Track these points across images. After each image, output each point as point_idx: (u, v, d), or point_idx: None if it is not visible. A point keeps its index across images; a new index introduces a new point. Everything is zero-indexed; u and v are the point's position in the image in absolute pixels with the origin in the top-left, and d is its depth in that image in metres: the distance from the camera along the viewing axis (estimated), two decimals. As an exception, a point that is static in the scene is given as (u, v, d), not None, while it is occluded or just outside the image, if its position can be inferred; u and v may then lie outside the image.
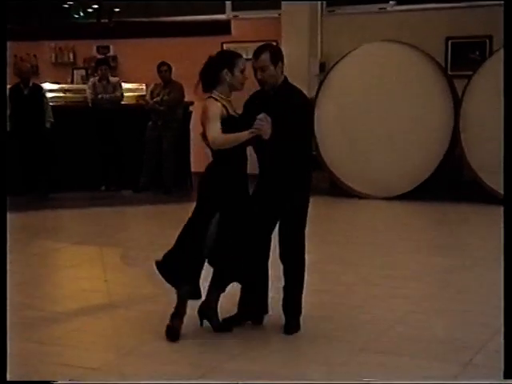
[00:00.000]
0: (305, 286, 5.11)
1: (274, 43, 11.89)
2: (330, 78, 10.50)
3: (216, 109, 4.48)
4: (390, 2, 11.44)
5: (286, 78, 4.72)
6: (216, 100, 4.52)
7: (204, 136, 4.50)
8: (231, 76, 4.53)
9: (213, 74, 4.53)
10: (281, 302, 4.72)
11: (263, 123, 4.32)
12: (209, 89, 4.55)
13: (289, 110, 4.47)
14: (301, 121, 4.52)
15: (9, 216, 9.39)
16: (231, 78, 4.53)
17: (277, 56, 4.64)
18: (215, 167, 4.57)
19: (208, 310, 4.65)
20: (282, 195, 4.58)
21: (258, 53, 4.61)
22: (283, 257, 4.68)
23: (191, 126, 11.10)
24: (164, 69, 10.74)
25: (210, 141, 4.44)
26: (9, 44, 13.14)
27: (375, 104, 10.13)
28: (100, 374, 4.04)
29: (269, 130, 4.33)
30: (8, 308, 5.18)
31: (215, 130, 4.41)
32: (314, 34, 11.59)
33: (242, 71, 4.57)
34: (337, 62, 10.48)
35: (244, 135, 4.37)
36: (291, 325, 4.64)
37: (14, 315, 5.07)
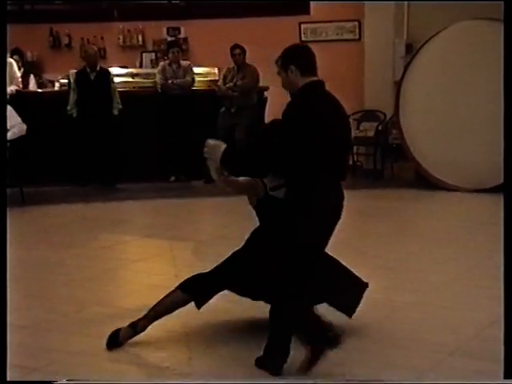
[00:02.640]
0: (388, 284, 5.09)
1: (356, 23, 12.02)
2: (416, 61, 10.39)
3: None
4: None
5: (310, 83, 4.27)
6: None
7: None
8: None
9: None
10: None
11: (208, 150, 4.18)
12: None
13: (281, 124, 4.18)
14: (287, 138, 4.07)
15: (75, 207, 9.67)
16: None
17: (288, 60, 4.34)
18: None
19: None
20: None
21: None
22: None
23: (266, 113, 11.13)
24: (237, 52, 10.79)
25: None
26: (75, 26, 13.45)
27: (466, 88, 9.97)
28: (170, 374, 4.11)
29: (213, 155, 4.15)
30: (76, 304, 5.35)
31: None
32: (400, 12, 11.46)
33: None
34: (424, 43, 10.36)
35: None
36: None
37: (81, 311, 5.22)
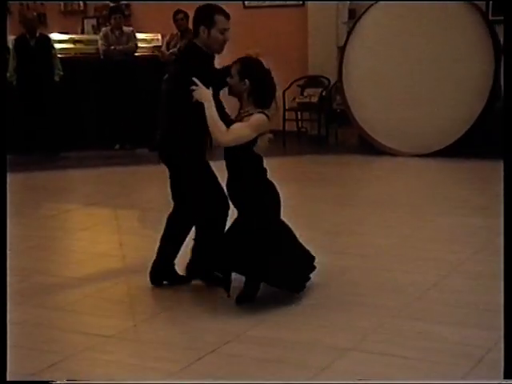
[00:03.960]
0: (334, 248, 5.12)
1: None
2: (359, 26, 10.40)
3: None
4: None
5: None
6: None
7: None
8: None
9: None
10: None
11: None
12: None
13: None
14: None
15: (17, 177, 9.54)
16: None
17: None
18: None
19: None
20: None
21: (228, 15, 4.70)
22: None
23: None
24: (180, 17, 10.67)
25: None
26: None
27: (409, 53, 10.03)
28: (116, 342, 4.10)
29: None
30: (19, 273, 5.29)
31: None
32: (342, -23, 11.45)
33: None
34: (367, 9, 10.37)
35: None
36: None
37: (25, 281, 5.17)
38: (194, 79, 4.44)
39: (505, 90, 3.49)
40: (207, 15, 4.62)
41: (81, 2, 13.35)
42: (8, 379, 3.31)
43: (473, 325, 4.22)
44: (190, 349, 3.99)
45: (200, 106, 4.41)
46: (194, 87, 4.42)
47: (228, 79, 4.57)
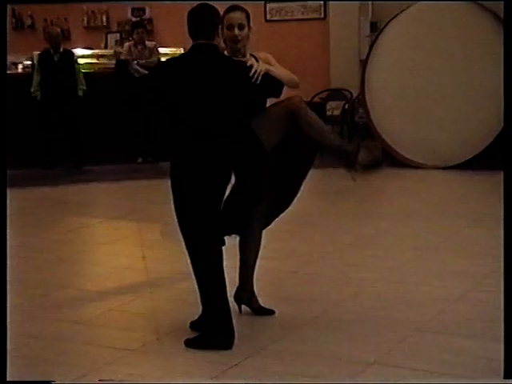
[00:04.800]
0: (358, 261, 5.07)
1: (321, 2, 11.99)
2: (381, 39, 10.39)
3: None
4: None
5: None
6: None
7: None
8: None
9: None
10: None
11: None
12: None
13: None
14: None
15: (41, 190, 9.59)
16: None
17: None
18: None
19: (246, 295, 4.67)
20: None
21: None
22: None
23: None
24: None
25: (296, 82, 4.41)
26: (38, 7, 13.28)
27: (431, 66, 10.00)
28: (139, 356, 4.09)
29: None
30: (42, 287, 5.31)
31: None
32: (364, -10, 11.46)
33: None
34: (389, 21, 10.36)
35: None
36: None
37: (48, 295, 5.18)
38: (250, 58, 4.24)
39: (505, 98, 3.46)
40: (219, 14, 4.28)
41: (104, 18, 13.44)
42: (8, 379, 3.32)
43: (498, 339, 4.17)
44: (213, 362, 3.98)
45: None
46: (254, 67, 4.12)
47: (237, 32, 4.31)
